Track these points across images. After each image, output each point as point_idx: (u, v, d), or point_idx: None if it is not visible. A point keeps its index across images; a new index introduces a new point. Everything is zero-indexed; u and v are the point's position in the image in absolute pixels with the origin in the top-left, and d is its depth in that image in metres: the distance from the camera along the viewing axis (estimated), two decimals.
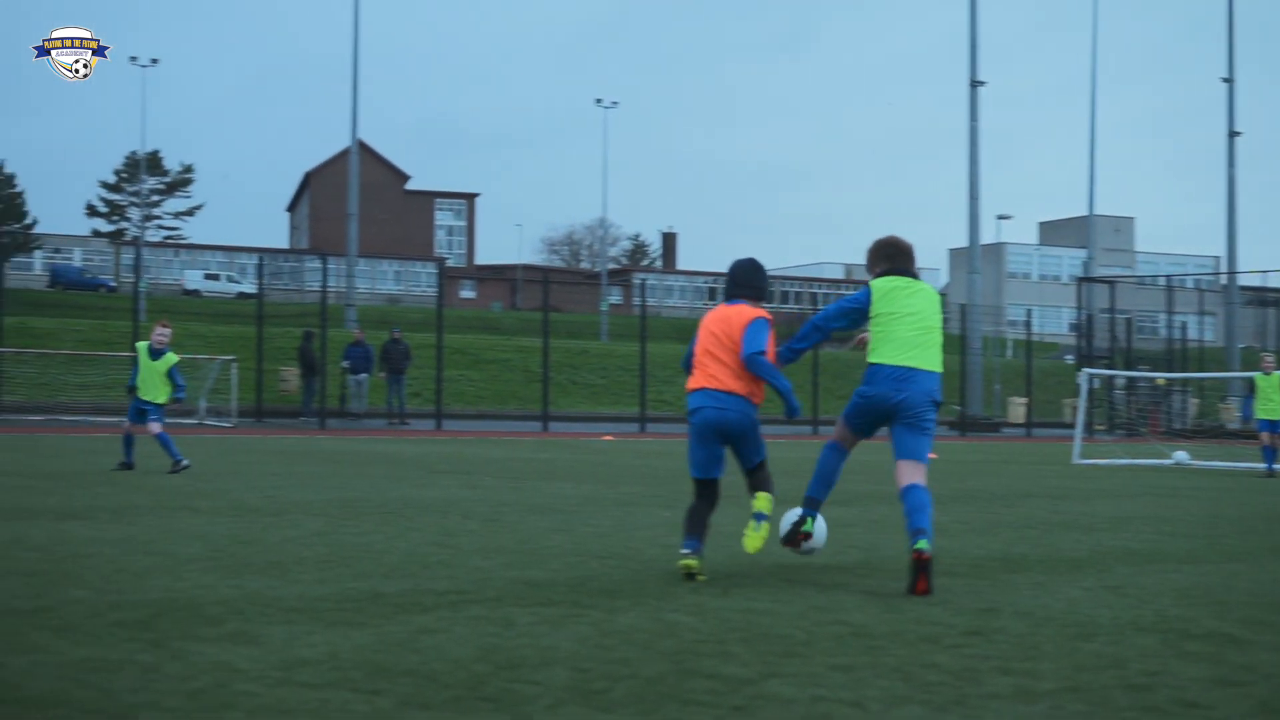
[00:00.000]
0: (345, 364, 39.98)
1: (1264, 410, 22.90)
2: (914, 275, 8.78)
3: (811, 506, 8.67)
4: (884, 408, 8.40)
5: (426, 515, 12.11)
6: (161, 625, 6.30)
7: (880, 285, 8.63)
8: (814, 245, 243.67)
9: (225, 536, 10.05)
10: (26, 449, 22.17)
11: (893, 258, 8.78)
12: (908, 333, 8.42)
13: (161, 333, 17.60)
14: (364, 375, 40.20)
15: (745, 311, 8.59)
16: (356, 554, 9.18)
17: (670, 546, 9.74)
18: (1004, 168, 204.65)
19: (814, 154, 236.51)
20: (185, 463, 17.11)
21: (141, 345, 17.70)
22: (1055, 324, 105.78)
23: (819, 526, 8.86)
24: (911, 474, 8.32)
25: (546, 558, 9.23)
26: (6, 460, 18.99)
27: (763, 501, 8.38)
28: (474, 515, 12.23)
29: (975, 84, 48.62)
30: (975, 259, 50.41)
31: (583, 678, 5.37)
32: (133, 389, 17.55)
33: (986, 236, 55.23)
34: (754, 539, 8.36)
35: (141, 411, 17.45)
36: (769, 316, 8.59)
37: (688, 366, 8.74)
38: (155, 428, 17.31)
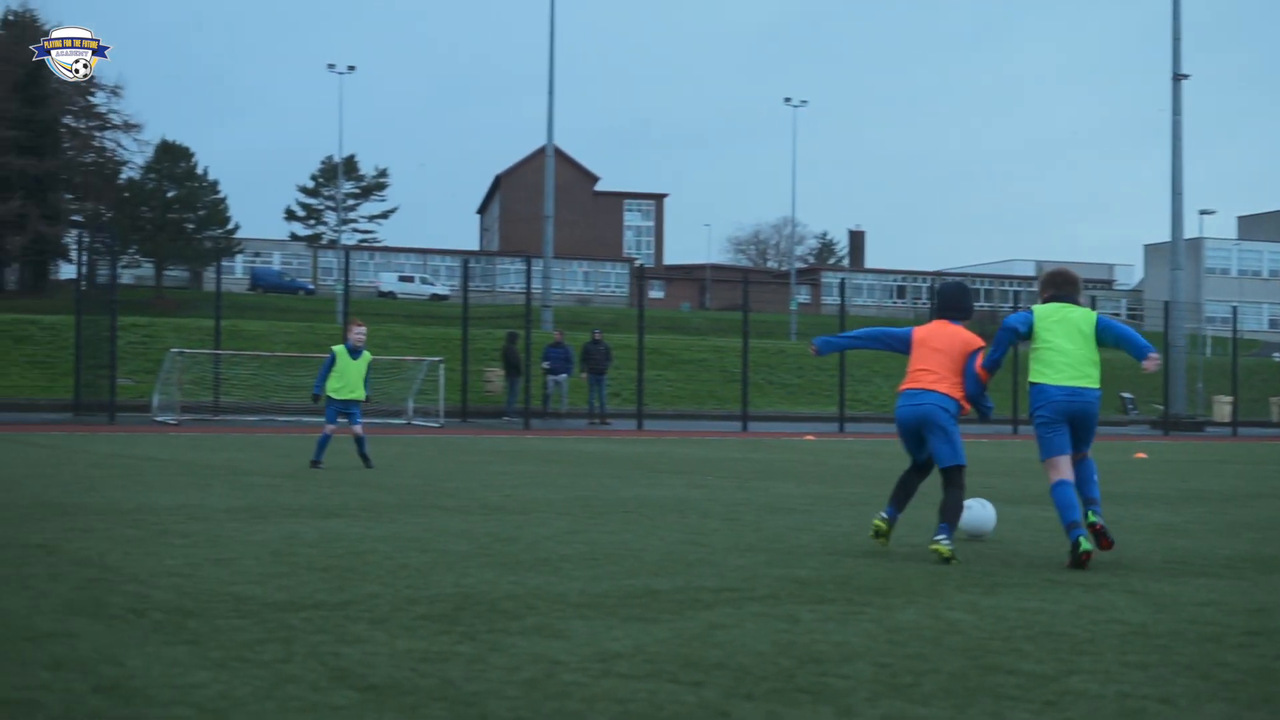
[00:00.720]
0: (545, 364, 40.57)
1: None
2: (1076, 303, 9.86)
3: (1078, 528, 9.18)
4: (1062, 417, 9.46)
5: (666, 514, 12.39)
6: (465, 619, 6.61)
7: (1041, 312, 9.78)
8: (1005, 242, 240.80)
9: (485, 534, 10.41)
10: (256, 448, 22.92)
11: (1060, 286, 9.95)
12: (1066, 357, 9.53)
13: (359, 332, 18.03)
14: (564, 376, 40.81)
15: (966, 339, 9.74)
16: (616, 552, 9.47)
17: (918, 546, 9.92)
18: (1201, 160, 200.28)
19: (1006, 150, 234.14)
20: (373, 464, 17.73)
21: (340, 348, 18.04)
22: (1255, 320, 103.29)
23: (987, 514, 10.71)
24: (1081, 454, 9.70)
25: (802, 556, 9.44)
26: (244, 460, 19.68)
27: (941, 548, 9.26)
28: (712, 514, 12.48)
29: (1178, 78, 47.77)
30: (1178, 255, 49.53)
31: (887, 672, 5.56)
32: (318, 396, 17.98)
33: (1186, 231, 54.00)
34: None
35: (345, 414, 17.86)
36: (981, 343, 9.79)
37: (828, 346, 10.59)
38: (360, 429, 17.87)
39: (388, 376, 41.44)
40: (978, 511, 10.57)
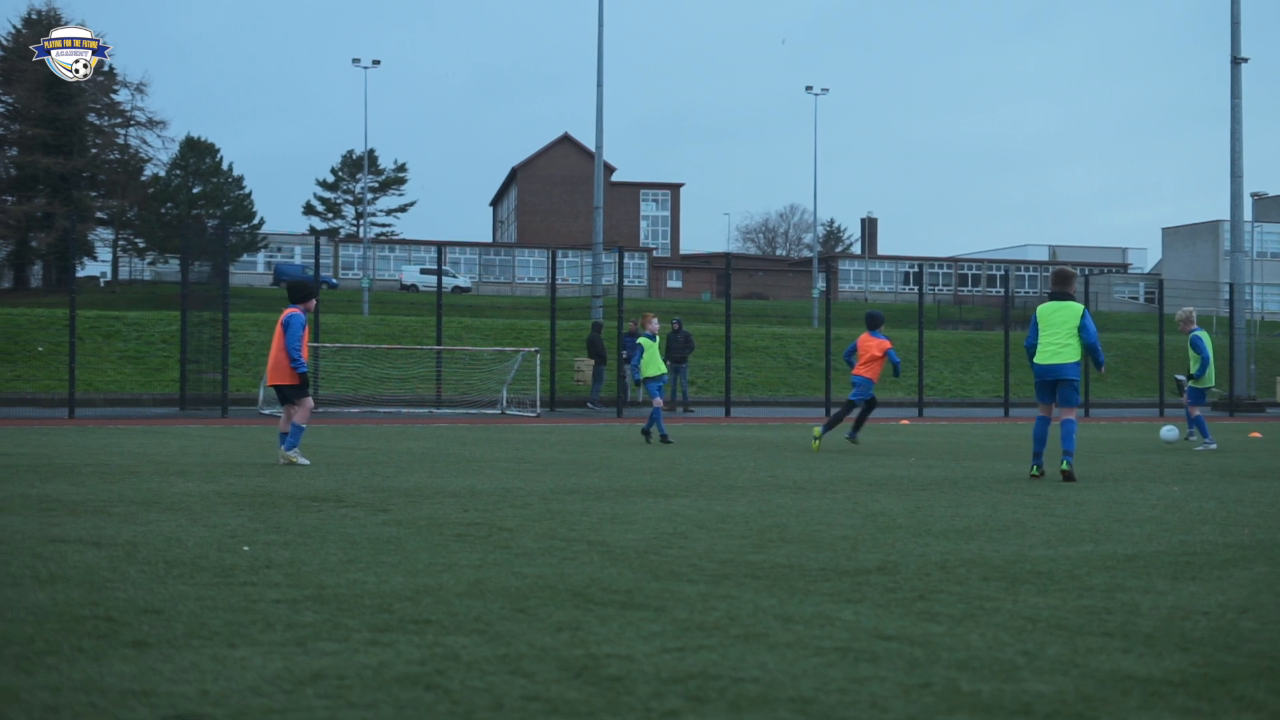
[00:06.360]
0: (625, 353, 41.30)
1: None
2: (1069, 297, 14.88)
3: (1037, 459, 14.80)
4: (1047, 382, 14.85)
5: (959, 491, 13.14)
6: (1003, 582, 7.35)
7: (1042, 310, 14.92)
8: (1022, 229, 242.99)
9: (849, 510, 11.13)
10: (413, 439, 23.36)
11: (1059, 282, 15.03)
12: (1052, 342, 14.73)
13: (655, 323, 22.45)
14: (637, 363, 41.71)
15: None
16: (999, 525, 10.21)
17: (1226, 525, 10.69)
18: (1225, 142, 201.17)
19: (1027, 138, 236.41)
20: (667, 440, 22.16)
21: (645, 339, 22.34)
22: (1275, 302, 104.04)
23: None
24: (1066, 414, 14.85)
25: (1122, 528, 10.11)
26: (432, 449, 20.01)
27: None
28: (977, 489, 13.27)
29: (1237, 60, 48.37)
30: (1239, 237, 49.54)
31: None
32: (639, 381, 22.77)
33: (1211, 214, 54.26)
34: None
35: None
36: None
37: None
38: (663, 401, 23.06)
39: (469, 368, 42.13)
40: None
